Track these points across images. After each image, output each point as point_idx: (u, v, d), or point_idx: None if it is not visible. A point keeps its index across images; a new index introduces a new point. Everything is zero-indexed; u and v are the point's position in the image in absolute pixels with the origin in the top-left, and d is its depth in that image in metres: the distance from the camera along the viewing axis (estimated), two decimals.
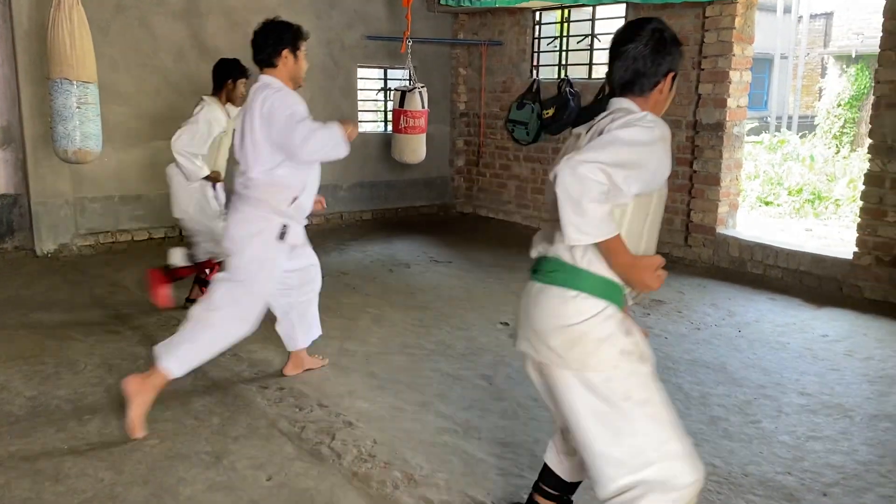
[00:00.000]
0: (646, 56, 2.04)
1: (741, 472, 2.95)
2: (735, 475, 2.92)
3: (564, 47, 7.65)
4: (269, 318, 4.66)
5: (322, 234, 7.39)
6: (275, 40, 3.30)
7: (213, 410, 3.45)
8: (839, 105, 15.26)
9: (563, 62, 7.65)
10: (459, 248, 7.00)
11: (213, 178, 4.72)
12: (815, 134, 14.61)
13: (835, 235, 7.27)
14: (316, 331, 3.91)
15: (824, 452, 3.12)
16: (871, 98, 5.19)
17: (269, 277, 3.40)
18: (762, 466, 2.99)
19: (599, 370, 1.99)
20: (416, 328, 4.67)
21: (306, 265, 3.75)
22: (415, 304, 5.18)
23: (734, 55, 5.95)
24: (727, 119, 6.05)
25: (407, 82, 7.41)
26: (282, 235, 3.33)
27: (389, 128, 8.11)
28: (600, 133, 1.98)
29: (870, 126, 5.23)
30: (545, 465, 2.44)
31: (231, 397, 3.60)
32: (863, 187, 5.28)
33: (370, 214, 8.35)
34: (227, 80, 4.72)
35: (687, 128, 6.35)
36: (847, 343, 4.47)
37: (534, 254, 2.17)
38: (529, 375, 2.22)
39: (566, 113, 6.97)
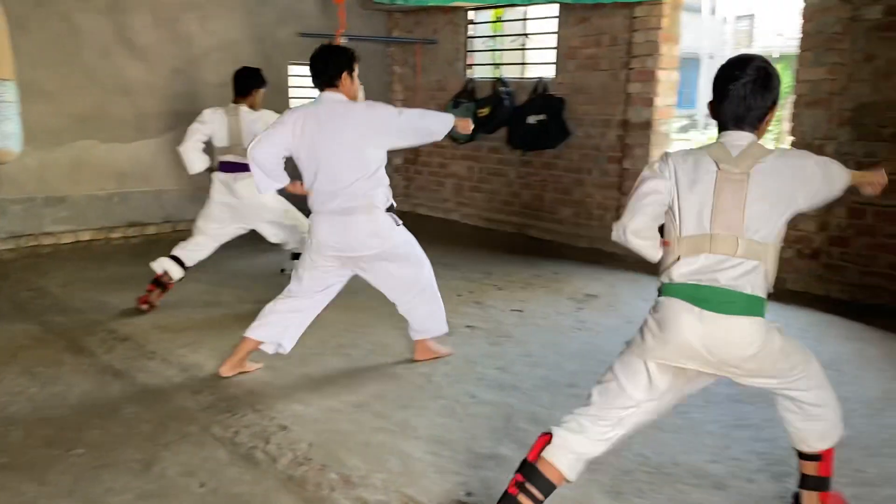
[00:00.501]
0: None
1: (671, 461, 3.03)
2: (666, 465, 3.00)
3: (498, 47, 7.71)
4: (204, 320, 4.56)
5: (258, 235, 7.25)
6: (336, 64, 3.56)
7: (142, 417, 3.35)
8: None
9: (498, 62, 7.71)
10: None
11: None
12: None
13: None
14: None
15: (750, 440, 3.23)
16: (793, 97, 5.39)
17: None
18: (691, 456, 3.08)
19: None
20: (353, 329, 4.64)
21: None
22: (352, 305, 5.13)
23: (662, 55, 6.10)
24: (656, 118, 6.20)
25: None
26: (396, 222, 3.74)
27: None
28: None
29: (791, 124, 5.44)
30: None
31: (161, 403, 3.51)
32: None
33: (307, 214, 8.24)
34: (255, 88, 4.95)
35: (616, 126, 6.49)
36: None
37: None
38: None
39: (501, 112, 7.03)
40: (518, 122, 6.88)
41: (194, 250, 4.96)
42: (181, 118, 6.19)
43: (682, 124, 15.85)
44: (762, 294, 2.25)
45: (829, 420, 2.49)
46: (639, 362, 2.37)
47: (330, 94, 3.59)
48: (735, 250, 2.20)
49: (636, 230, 2.37)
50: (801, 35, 5.27)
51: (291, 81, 8.00)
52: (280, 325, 3.79)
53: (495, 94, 7.20)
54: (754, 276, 2.22)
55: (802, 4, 5.24)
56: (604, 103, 6.59)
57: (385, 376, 3.89)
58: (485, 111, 7.23)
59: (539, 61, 7.39)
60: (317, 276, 3.78)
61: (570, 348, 4.33)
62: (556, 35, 6.98)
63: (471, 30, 7.97)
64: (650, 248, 2.41)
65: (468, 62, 7.99)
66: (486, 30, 8.10)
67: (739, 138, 2.29)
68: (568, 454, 2.34)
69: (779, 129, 14.55)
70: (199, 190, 5.81)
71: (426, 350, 4.12)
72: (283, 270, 5.59)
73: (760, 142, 2.30)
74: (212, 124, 4.84)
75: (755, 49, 19.18)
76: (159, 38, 7.03)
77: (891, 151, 4.98)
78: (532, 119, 6.78)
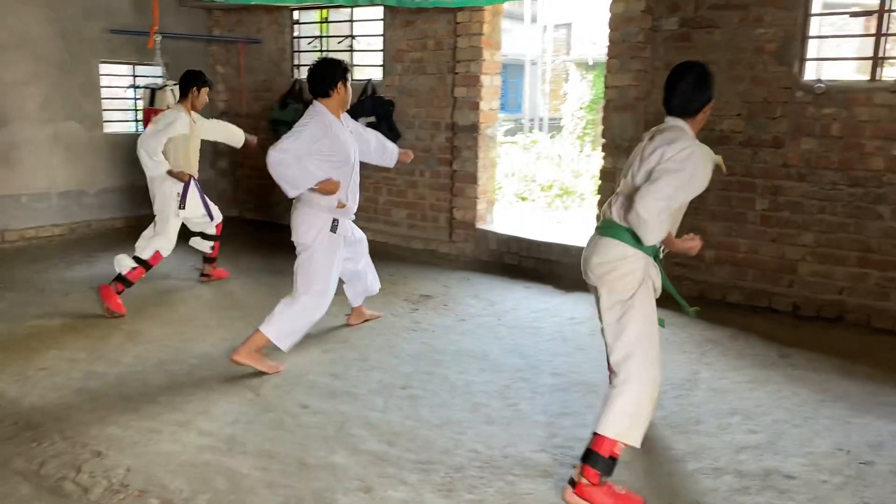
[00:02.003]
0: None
1: (501, 454, 3.11)
2: (496, 458, 3.08)
3: (325, 48, 7.61)
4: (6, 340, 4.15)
5: (67, 245, 6.70)
6: (331, 76, 3.93)
7: None
8: (581, 108, 16.76)
9: None
10: (226, 254, 6.68)
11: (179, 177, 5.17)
12: (562, 134, 15.93)
13: (580, 226, 7.97)
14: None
15: (573, 427, 3.39)
16: (603, 102, 5.74)
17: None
18: (520, 447, 3.18)
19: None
20: (177, 343, 4.38)
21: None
22: (176, 318, 4.86)
23: (484, 60, 6.29)
24: (481, 121, 6.38)
25: (159, 80, 6.94)
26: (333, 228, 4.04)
27: (141, 128, 7.54)
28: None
29: (602, 127, 5.79)
30: None
31: None
32: (599, 182, 5.84)
33: (122, 222, 7.71)
34: (192, 88, 5.23)
35: (446, 129, 6.61)
36: (591, 324, 4.89)
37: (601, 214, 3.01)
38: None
39: None
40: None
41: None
42: None
43: (509, 128, 16.46)
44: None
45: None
46: None
47: (319, 107, 3.96)
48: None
49: None
50: (608, 44, 5.63)
51: (104, 81, 7.44)
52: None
53: None
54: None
55: (609, 15, 5.59)
56: (432, 106, 6.69)
57: (211, 392, 3.70)
58: None
59: (367, 63, 7.38)
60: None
61: (405, 350, 4.35)
62: (382, 37, 7.00)
63: (296, 30, 7.81)
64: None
65: (295, 63, 7.82)
66: (313, 30, 7.96)
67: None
68: None
69: (596, 131, 15.46)
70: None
71: (362, 314, 4.82)
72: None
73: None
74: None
75: (572, 56, 20.31)
76: None
77: None
78: (362, 121, 6.74)
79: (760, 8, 5.03)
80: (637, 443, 2.72)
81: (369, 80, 6.89)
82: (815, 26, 5.26)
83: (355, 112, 6.81)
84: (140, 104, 7.45)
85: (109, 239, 7.15)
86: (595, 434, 2.72)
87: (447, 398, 3.67)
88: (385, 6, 6.61)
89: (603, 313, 2.90)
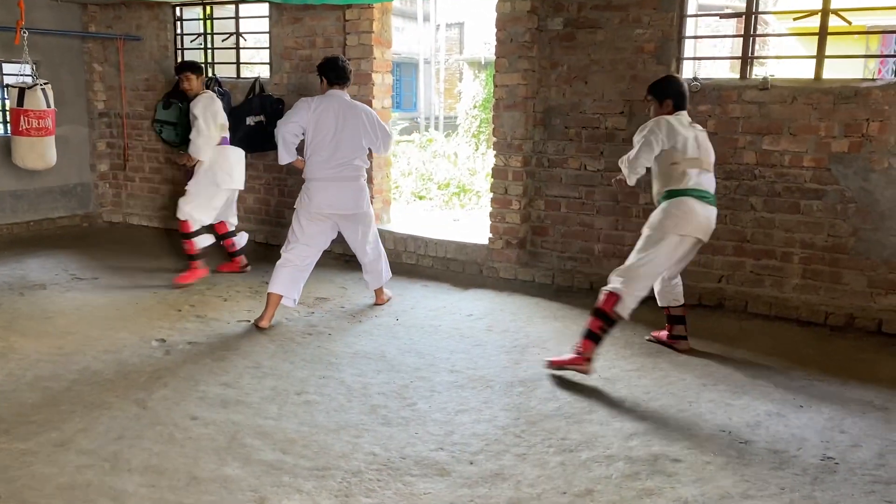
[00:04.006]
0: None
1: (399, 455, 3.10)
2: (394, 459, 3.06)
3: (210, 45, 7.36)
4: None
5: None
6: (351, 71, 4.99)
7: None
8: (475, 107, 16.96)
9: (210, 60, 7.36)
10: (108, 261, 6.36)
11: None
12: (457, 133, 16.07)
13: (477, 224, 8.06)
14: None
15: (471, 423, 3.42)
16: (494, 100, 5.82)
17: None
18: (417, 447, 3.17)
19: None
20: (54, 357, 4.12)
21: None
22: (53, 331, 4.57)
23: (375, 58, 6.25)
24: None
25: (28, 78, 6.52)
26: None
27: (8, 130, 7.06)
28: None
29: (493, 125, 5.87)
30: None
31: None
32: (491, 180, 5.92)
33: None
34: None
35: None
36: (488, 320, 4.98)
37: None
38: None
39: None
40: (236, 124, 6.61)
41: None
42: None
43: (404, 126, 16.46)
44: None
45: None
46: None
47: (340, 91, 4.85)
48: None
49: None
50: (496, 43, 5.70)
51: None
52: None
53: None
54: None
55: (496, 15, 5.66)
56: None
57: (93, 408, 3.50)
58: None
59: (254, 61, 7.20)
60: (314, 231, 4.83)
61: (300, 355, 4.26)
62: (269, 35, 6.83)
63: (179, 27, 7.51)
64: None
65: (178, 60, 7.52)
66: (197, 27, 7.67)
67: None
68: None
69: (488, 130, 15.70)
70: None
71: (382, 294, 5.31)
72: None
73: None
74: None
75: (465, 55, 20.53)
76: None
77: (576, 149, 5.59)
78: (251, 120, 6.56)
79: (639, 9, 5.23)
80: None
81: (257, 78, 6.71)
82: (691, 27, 5.51)
83: (242, 111, 6.63)
84: (7, 104, 6.98)
85: None
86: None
87: (343, 402, 3.62)
88: (270, 3, 6.45)
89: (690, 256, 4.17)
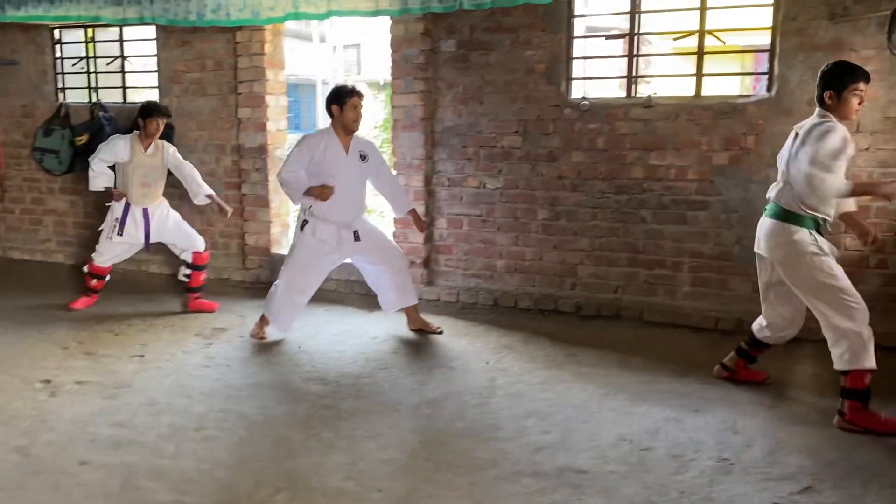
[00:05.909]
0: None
1: (305, 486, 3.01)
2: (299, 492, 2.97)
3: (93, 69, 7.04)
4: None
5: None
6: (328, 100, 4.88)
7: None
8: (375, 127, 16.97)
9: (94, 85, 7.04)
10: None
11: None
12: None
13: None
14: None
15: (378, 449, 3.36)
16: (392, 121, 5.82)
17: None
18: (324, 477, 3.09)
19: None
20: None
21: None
22: None
23: (268, 80, 6.14)
24: (269, 142, 6.22)
25: None
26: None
27: None
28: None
29: (391, 146, 5.87)
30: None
31: None
32: None
33: None
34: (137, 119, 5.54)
35: (231, 152, 6.37)
36: (393, 342, 4.94)
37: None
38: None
39: (101, 139, 6.37)
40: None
41: None
42: None
43: None
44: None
45: None
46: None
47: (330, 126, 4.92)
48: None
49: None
50: (391, 64, 5.72)
51: None
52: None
53: (94, 119, 6.56)
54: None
55: (390, 37, 5.69)
56: (215, 128, 6.41)
57: None
58: (83, 139, 6.54)
59: (142, 85, 6.95)
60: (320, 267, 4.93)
61: (198, 389, 4.09)
62: (157, 58, 6.60)
63: (59, 50, 7.15)
64: None
65: (59, 85, 7.16)
66: (78, 50, 7.32)
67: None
68: None
69: (389, 150, 15.70)
70: None
71: (416, 322, 5.21)
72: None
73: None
74: None
75: (364, 76, 20.53)
76: None
77: (475, 168, 5.66)
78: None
79: (529, 32, 5.37)
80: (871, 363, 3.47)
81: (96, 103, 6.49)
82: (580, 48, 5.70)
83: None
84: None
85: None
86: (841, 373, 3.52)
87: (245, 435, 3.50)
88: (157, 25, 6.24)
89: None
